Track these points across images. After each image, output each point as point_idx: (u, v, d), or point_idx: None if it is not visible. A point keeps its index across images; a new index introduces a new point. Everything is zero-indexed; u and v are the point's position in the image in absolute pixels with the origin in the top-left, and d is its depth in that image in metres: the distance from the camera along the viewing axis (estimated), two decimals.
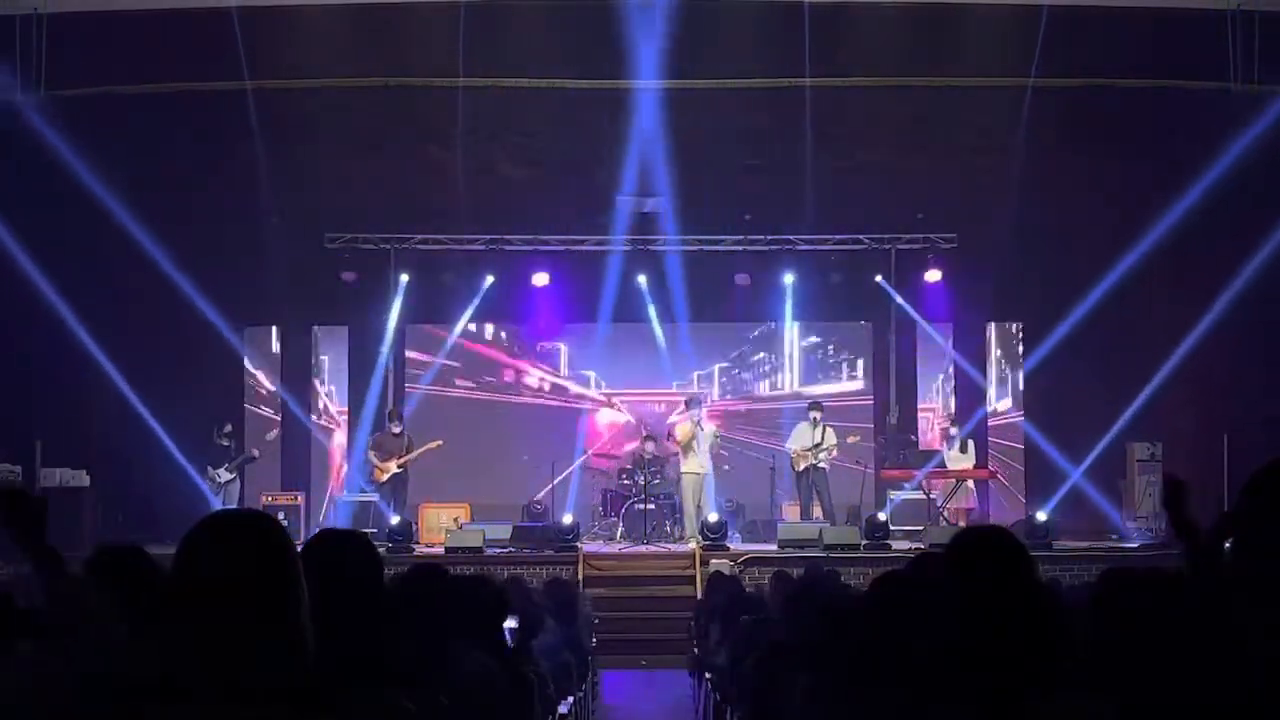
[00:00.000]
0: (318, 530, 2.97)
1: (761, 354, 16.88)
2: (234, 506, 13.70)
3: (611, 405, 16.72)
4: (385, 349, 15.82)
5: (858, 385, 16.64)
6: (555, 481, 15.23)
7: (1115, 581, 2.72)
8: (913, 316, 15.95)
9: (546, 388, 16.76)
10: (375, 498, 14.32)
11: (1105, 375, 14.92)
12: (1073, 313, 14.65)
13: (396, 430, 14.54)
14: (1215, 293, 13.62)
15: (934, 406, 16.28)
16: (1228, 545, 2.13)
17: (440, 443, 14.67)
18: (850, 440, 15.01)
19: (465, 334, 16.42)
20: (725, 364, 16.80)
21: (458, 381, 16.60)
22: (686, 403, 14.32)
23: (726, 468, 15.37)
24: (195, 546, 1.94)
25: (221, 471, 14.06)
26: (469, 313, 16.11)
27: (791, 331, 16.68)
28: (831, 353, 16.76)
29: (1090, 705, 2.27)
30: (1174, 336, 13.99)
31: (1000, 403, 16.25)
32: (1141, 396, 14.21)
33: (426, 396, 16.39)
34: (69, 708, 2.26)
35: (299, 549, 2.75)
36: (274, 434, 15.76)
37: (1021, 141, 13.89)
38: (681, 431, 13.97)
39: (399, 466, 14.34)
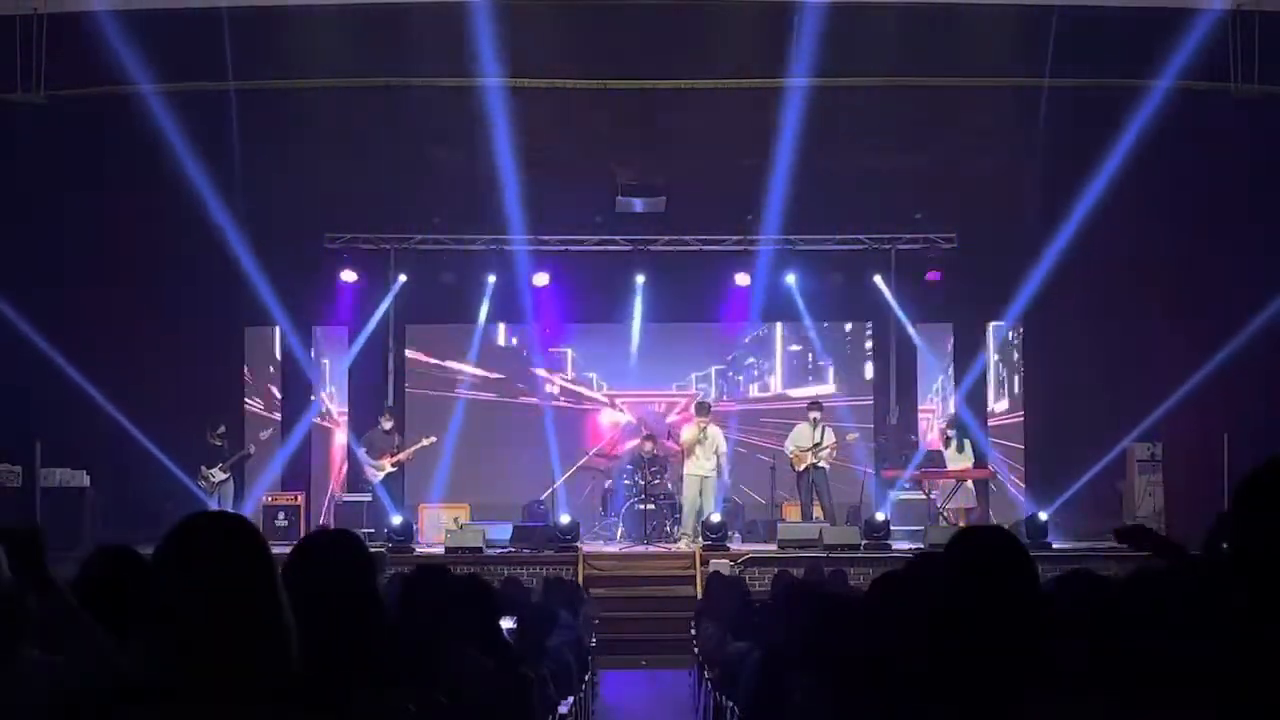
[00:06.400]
0: (315, 531, 2.97)
1: (760, 354, 16.88)
2: (230, 506, 13.77)
3: (614, 406, 16.70)
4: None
5: (857, 385, 16.64)
6: (556, 482, 15.23)
7: (1082, 580, 2.73)
8: (912, 317, 15.94)
9: (550, 389, 16.73)
10: (370, 498, 14.33)
11: (1105, 375, 14.92)
12: (1073, 313, 14.63)
13: (388, 427, 14.51)
14: (1216, 292, 13.61)
15: (934, 407, 16.28)
16: (1225, 546, 2.14)
17: (433, 439, 14.65)
18: (850, 439, 15.00)
19: (467, 334, 16.39)
20: (722, 365, 16.79)
21: (459, 382, 16.58)
22: (696, 407, 14.30)
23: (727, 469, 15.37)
24: (170, 551, 1.94)
25: (215, 471, 14.06)
26: (480, 314, 16.07)
27: (791, 331, 16.68)
28: (831, 353, 16.76)
29: (1087, 706, 2.27)
30: (1175, 336, 13.99)
31: (1000, 403, 16.25)
32: (1142, 397, 14.20)
33: (427, 397, 16.39)
34: (63, 713, 2.26)
35: (295, 548, 2.76)
36: (268, 433, 15.76)
37: (1022, 141, 13.89)
38: (686, 434, 13.98)
39: (393, 465, 14.33)
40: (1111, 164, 13.62)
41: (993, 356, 16.31)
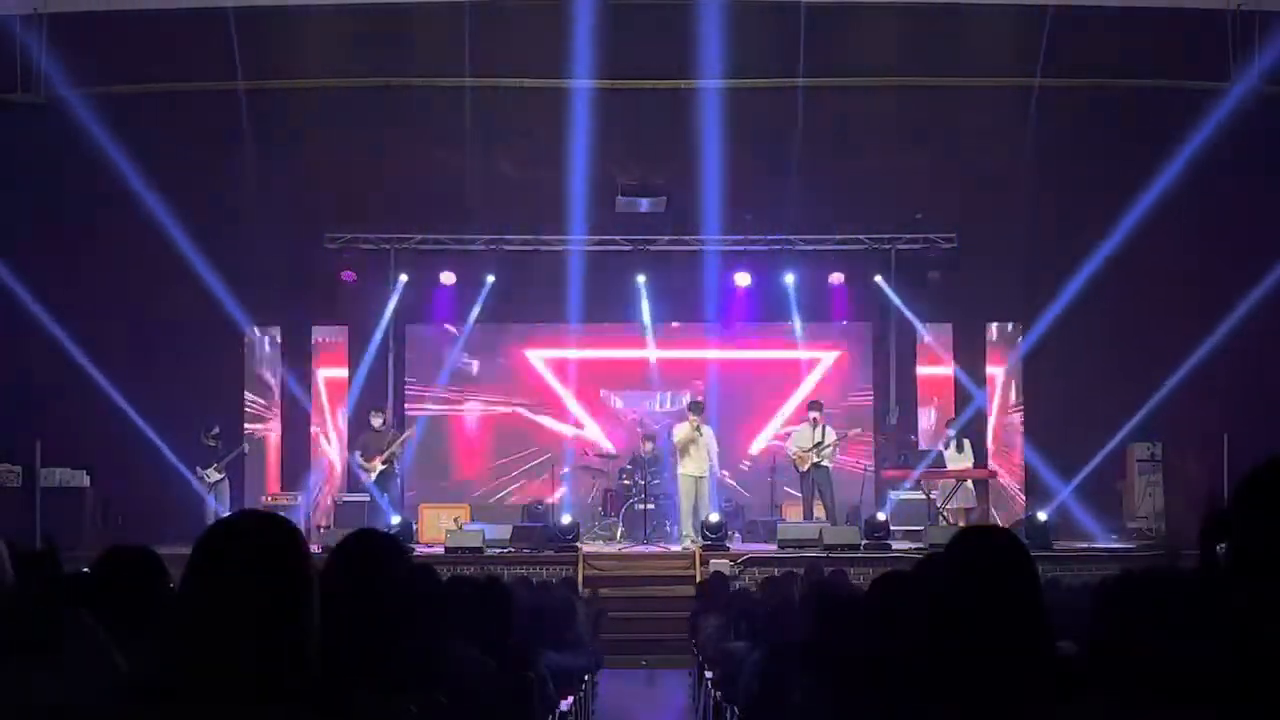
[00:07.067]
0: (358, 530, 2.96)
1: (761, 354, 16.84)
2: (226, 505, 13.83)
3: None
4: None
5: (857, 385, 16.62)
6: (555, 481, 15.21)
7: (1117, 583, 2.72)
8: (912, 317, 15.92)
9: (543, 389, 16.69)
10: (368, 497, 14.33)
11: (1105, 375, 14.92)
12: (1072, 313, 14.64)
13: (377, 424, 14.52)
14: (1216, 293, 13.61)
15: (934, 406, 16.26)
16: (1221, 548, 2.14)
17: (411, 431, 14.80)
18: (853, 433, 14.99)
19: (467, 333, 16.35)
20: (723, 362, 16.74)
21: (457, 382, 16.55)
22: (689, 406, 14.28)
23: (726, 473, 15.33)
24: (213, 547, 1.94)
25: (210, 471, 14.08)
26: (474, 314, 16.03)
27: (791, 331, 16.65)
28: (831, 353, 16.74)
29: (1087, 706, 2.27)
30: (1175, 336, 13.99)
31: (999, 402, 16.23)
32: (1142, 396, 14.20)
33: (426, 397, 16.37)
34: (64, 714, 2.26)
35: (335, 547, 2.76)
36: (266, 432, 15.77)
37: (1022, 141, 13.90)
38: (679, 433, 13.94)
39: (383, 464, 14.35)
40: (1112, 164, 13.65)
41: (993, 356, 16.24)
